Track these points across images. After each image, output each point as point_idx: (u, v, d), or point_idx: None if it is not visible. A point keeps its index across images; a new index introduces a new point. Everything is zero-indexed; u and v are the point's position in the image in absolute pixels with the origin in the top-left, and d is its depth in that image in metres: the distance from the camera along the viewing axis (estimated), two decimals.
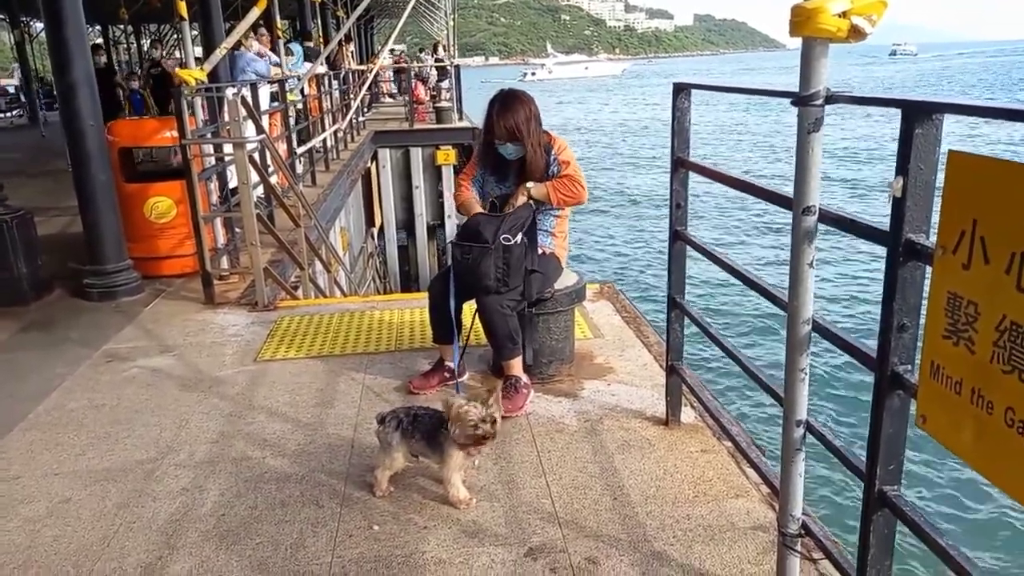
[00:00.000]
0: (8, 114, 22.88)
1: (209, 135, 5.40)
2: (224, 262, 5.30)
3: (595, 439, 2.92)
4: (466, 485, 2.53)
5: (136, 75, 12.79)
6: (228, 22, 9.44)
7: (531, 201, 3.23)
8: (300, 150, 8.74)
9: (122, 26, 22.82)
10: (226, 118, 5.22)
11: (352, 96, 13.87)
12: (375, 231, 14.19)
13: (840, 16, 1.41)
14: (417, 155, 14.18)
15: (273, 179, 6.19)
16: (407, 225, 14.65)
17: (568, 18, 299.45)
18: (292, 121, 8.55)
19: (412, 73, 18.06)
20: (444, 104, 15.95)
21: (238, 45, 7.17)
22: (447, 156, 14.13)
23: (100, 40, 21.93)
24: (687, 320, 2.79)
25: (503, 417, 2.97)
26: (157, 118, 6.91)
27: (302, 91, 9.32)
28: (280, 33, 9.07)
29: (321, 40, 15.06)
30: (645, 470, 2.68)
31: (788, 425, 1.77)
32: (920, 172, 1.35)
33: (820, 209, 1.60)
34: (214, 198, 5.49)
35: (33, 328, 4.55)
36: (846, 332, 1.69)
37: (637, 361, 3.65)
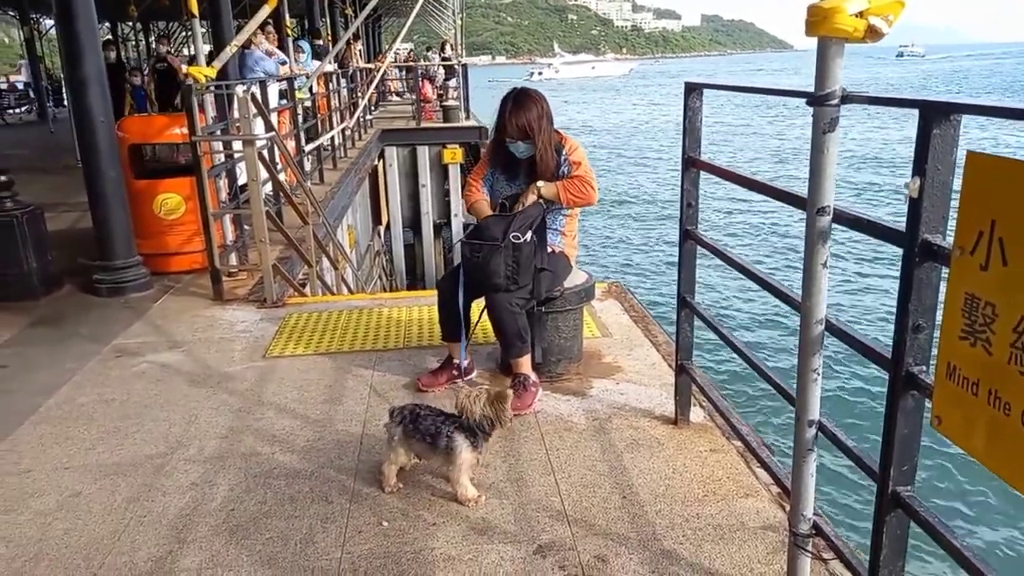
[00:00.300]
0: (17, 110, 22.95)
1: (219, 132, 5.41)
2: (233, 259, 5.32)
3: (604, 437, 2.93)
4: (474, 483, 2.53)
5: (139, 70, 12.81)
6: (237, 20, 9.46)
7: (541, 200, 3.23)
8: (308, 148, 8.76)
9: (131, 23, 22.87)
10: (236, 115, 5.24)
11: (360, 94, 13.89)
12: (381, 229, 14.21)
13: (857, 16, 1.41)
14: (424, 154, 14.19)
15: (282, 176, 6.20)
16: (413, 223, 14.66)
17: (575, 18, 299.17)
18: (300, 119, 8.57)
19: (420, 72, 18.07)
20: (451, 103, 15.96)
21: (248, 43, 7.18)
22: (454, 155, 14.14)
23: (109, 37, 22.01)
24: (695, 319, 2.79)
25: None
26: (168, 115, 6.91)
27: (310, 88, 9.34)
28: (288, 31, 9.08)
29: (330, 38, 15.08)
30: (654, 469, 2.68)
31: (800, 425, 1.77)
32: (937, 172, 1.34)
33: (835, 209, 1.60)
34: (223, 195, 5.51)
35: (43, 323, 4.57)
36: (860, 332, 1.69)
37: (645, 360, 3.65)
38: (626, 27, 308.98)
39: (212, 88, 5.57)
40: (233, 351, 3.96)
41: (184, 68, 10.98)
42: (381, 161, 14.00)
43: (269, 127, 5.50)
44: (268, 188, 5.94)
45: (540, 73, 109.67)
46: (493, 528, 2.38)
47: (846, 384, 9.06)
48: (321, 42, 12.85)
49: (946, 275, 1.33)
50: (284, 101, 8.37)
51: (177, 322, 4.45)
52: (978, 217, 1.22)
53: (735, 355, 2.48)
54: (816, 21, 1.44)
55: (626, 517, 2.41)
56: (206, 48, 6.33)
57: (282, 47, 9.74)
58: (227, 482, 2.69)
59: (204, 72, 4.77)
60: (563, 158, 3.25)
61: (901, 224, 1.47)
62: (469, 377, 3.35)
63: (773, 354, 10.21)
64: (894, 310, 1.47)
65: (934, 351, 1.44)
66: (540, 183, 3.21)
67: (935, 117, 1.33)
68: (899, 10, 1.42)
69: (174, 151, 6.21)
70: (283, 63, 9.15)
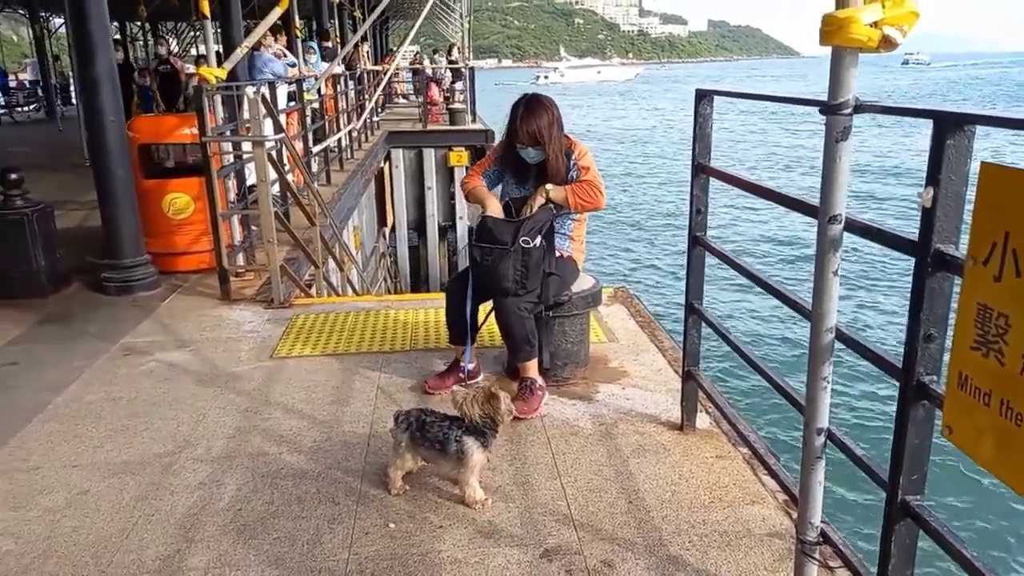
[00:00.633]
0: (26, 108, 23.05)
1: (228, 133, 5.43)
2: (240, 259, 5.33)
3: (610, 442, 2.93)
4: (481, 486, 2.54)
5: (147, 70, 12.85)
6: (246, 20, 9.50)
7: (550, 204, 3.24)
8: (316, 149, 8.78)
9: (140, 23, 22.97)
10: (246, 116, 5.26)
11: (367, 96, 13.93)
12: (387, 231, 14.24)
13: (872, 26, 1.41)
14: (430, 156, 14.22)
15: (289, 177, 6.22)
16: (419, 226, 14.69)
17: (582, 22, 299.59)
18: (308, 120, 8.59)
19: (427, 74, 18.10)
20: (458, 106, 15.98)
21: (257, 45, 7.21)
22: (460, 158, 14.16)
23: (117, 36, 22.09)
24: (703, 326, 2.80)
25: (517, 418, 3.00)
26: (178, 115, 6.95)
27: (319, 90, 9.37)
28: (297, 32, 9.11)
29: (338, 40, 15.12)
30: (660, 474, 2.69)
31: (809, 433, 1.77)
32: (951, 183, 1.35)
33: (847, 218, 1.61)
34: (232, 195, 5.52)
35: (51, 321, 4.59)
36: (870, 341, 1.69)
37: (652, 366, 3.65)
38: (632, 32, 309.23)
39: (222, 89, 5.58)
40: (240, 351, 3.98)
41: (190, 68, 11.03)
42: (387, 163, 14.03)
43: (278, 128, 5.51)
44: (275, 189, 5.96)
45: (546, 77, 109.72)
46: (499, 531, 2.38)
47: (852, 390, 9.04)
48: (330, 44, 12.88)
49: (959, 285, 1.33)
50: (293, 103, 8.40)
51: (185, 321, 4.47)
52: (992, 228, 1.23)
53: (741, 361, 2.49)
54: (830, 30, 1.45)
55: (632, 522, 2.42)
56: (216, 48, 6.36)
57: (291, 48, 9.78)
58: (235, 482, 2.70)
59: (215, 73, 4.79)
60: (572, 163, 3.26)
61: (912, 233, 1.48)
62: (476, 380, 3.35)
63: (780, 361, 10.19)
64: (902, 319, 1.48)
65: (945, 360, 1.44)
66: (549, 186, 3.22)
67: (949, 127, 1.34)
68: (914, 20, 1.43)
69: (182, 151, 6.24)
70: (292, 65, 9.18)
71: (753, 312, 12.36)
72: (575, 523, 2.41)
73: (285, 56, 9.18)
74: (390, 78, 17.13)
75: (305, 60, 10.34)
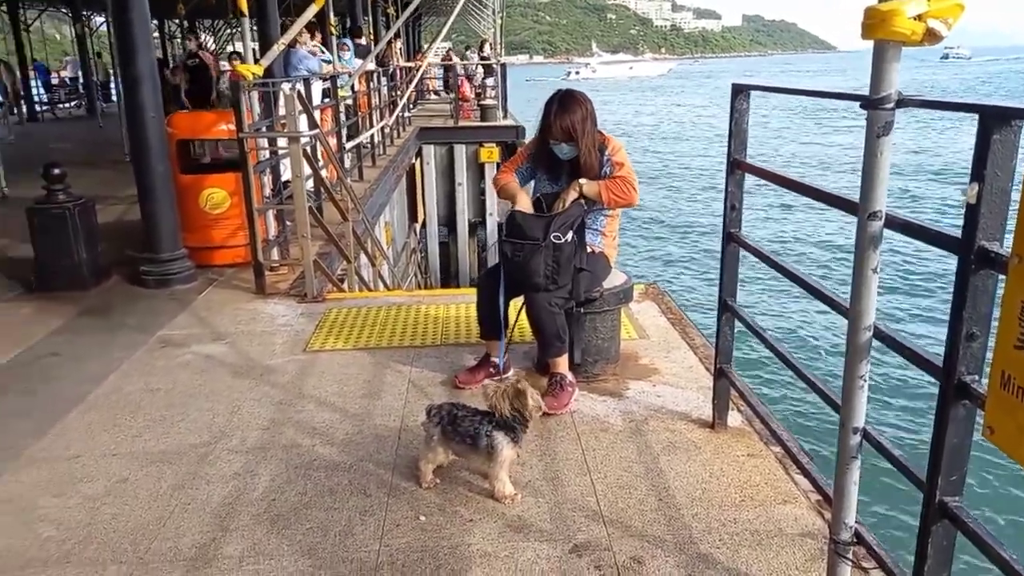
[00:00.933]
0: (67, 105, 23.58)
1: (264, 129, 5.50)
2: (275, 253, 5.40)
3: (640, 439, 2.92)
4: (511, 480, 2.55)
5: (178, 68, 13.02)
6: (282, 18, 9.61)
7: (582, 200, 3.23)
8: (349, 145, 8.86)
9: (177, 20, 23.34)
10: (282, 112, 5.32)
11: (399, 93, 14.00)
12: (417, 227, 14.31)
13: (916, 19, 1.38)
14: (461, 152, 14.26)
15: (323, 173, 6.28)
16: (449, 221, 14.74)
17: (614, 17, 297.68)
18: (342, 117, 8.67)
19: (459, 71, 18.16)
20: (489, 102, 16.00)
21: (293, 42, 7.29)
22: (490, 154, 14.18)
23: (156, 34, 22.48)
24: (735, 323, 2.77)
25: (547, 414, 3.00)
26: (215, 111, 7.05)
27: (352, 87, 9.44)
28: (332, 30, 9.20)
29: (372, 36, 15.22)
30: (691, 472, 2.67)
31: (844, 432, 1.75)
32: (996, 178, 1.32)
33: (887, 214, 1.58)
34: (267, 190, 5.60)
35: (92, 313, 4.69)
36: (909, 339, 1.66)
37: (683, 363, 3.63)
38: (665, 27, 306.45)
39: (258, 85, 5.66)
40: (275, 344, 4.03)
41: (225, 65, 11.15)
42: (418, 159, 14.09)
43: (313, 124, 5.57)
44: (309, 184, 6.02)
45: (577, 72, 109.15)
46: (529, 526, 2.39)
47: (887, 389, 8.89)
48: (363, 41, 12.97)
49: (1002, 283, 1.30)
50: (327, 99, 8.48)
51: (220, 314, 4.55)
52: None
53: (770, 359, 2.46)
54: (873, 24, 1.42)
55: (662, 519, 2.41)
56: (239, 46, 6.44)
57: (325, 45, 9.86)
58: (268, 472, 2.74)
59: (252, 70, 4.85)
60: (606, 158, 3.25)
61: (954, 230, 1.45)
62: (506, 375, 3.36)
63: (811, 359, 10.05)
64: (940, 317, 1.45)
65: (987, 359, 1.41)
66: (583, 180, 3.21)
67: (995, 122, 1.31)
68: (959, 13, 1.40)
69: (216, 147, 6.34)
70: (327, 62, 9.26)
71: (785, 309, 12.20)
72: (604, 519, 2.41)
73: (321, 53, 9.26)
74: (422, 75, 17.21)
75: (339, 57, 10.43)
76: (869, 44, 1.51)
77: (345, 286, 5.76)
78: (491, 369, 3.40)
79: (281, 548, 2.31)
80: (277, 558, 2.27)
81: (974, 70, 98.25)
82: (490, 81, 17.96)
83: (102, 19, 22.31)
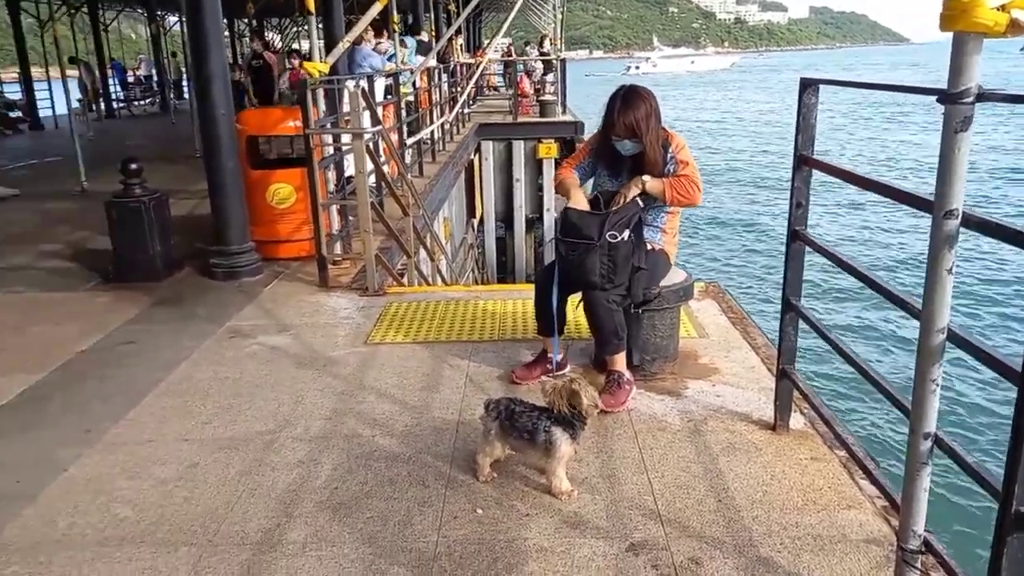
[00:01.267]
0: (142, 102, 24.52)
1: (329, 125, 5.62)
2: (338, 247, 5.52)
3: (699, 439, 2.88)
4: (568, 477, 2.55)
5: (239, 67, 13.32)
6: (347, 16, 9.78)
7: (638, 198, 3.19)
8: (410, 141, 8.97)
9: (246, 20, 24.01)
10: (346, 109, 5.42)
11: (459, 89, 14.10)
12: (475, 222, 14.40)
13: (998, 9, 1.33)
14: (519, 148, 14.29)
15: (385, 169, 6.38)
16: (506, 217, 14.80)
17: (676, 11, 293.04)
18: (404, 113, 8.78)
19: (519, 66, 18.18)
20: (548, 98, 15.98)
21: (358, 39, 7.42)
22: (549, 150, 14.17)
23: (226, 33, 23.15)
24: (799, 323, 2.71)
25: (604, 412, 2.99)
26: (282, 108, 7.24)
27: (414, 84, 9.55)
28: (395, 27, 9.32)
29: (433, 33, 15.36)
30: (751, 474, 2.63)
31: (915, 438, 1.70)
32: None
33: (964, 213, 1.53)
34: (331, 186, 5.72)
35: (165, 303, 4.88)
36: (985, 342, 1.60)
37: (743, 363, 3.57)
38: (729, 20, 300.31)
39: (324, 83, 5.78)
40: (337, 336, 4.13)
41: (294, 63, 11.39)
42: (477, 155, 14.18)
43: (376, 121, 5.66)
44: (371, 180, 6.12)
45: (637, 67, 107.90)
46: (585, 523, 2.39)
47: (958, 393, 8.55)
48: (425, 38, 13.11)
49: None
50: (389, 96, 8.60)
51: (285, 306, 4.67)
52: None
53: (834, 361, 2.40)
54: (953, 15, 1.37)
55: (721, 521, 2.38)
56: (304, 44, 6.57)
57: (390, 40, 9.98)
58: (331, 461, 2.81)
59: (318, 67, 4.96)
60: (669, 156, 3.21)
61: None
62: (562, 372, 3.36)
63: (877, 362, 9.75)
64: (1016, 319, 1.39)
65: None
66: (646, 177, 3.17)
67: None
68: None
69: (283, 143, 6.48)
70: (390, 59, 9.39)
71: (850, 310, 11.85)
72: (662, 518, 2.40)
73: (384, 50, 9.40)
74: (482, 71, 17.28)
75: (401, 54, 10.55)
76: (945, 36, 1.46)
77: (405, 280, 5.84)
78: (548, 365, 3.41)
79: (343, 535, 2.37)
80: (339, 545, 2.33)
81: None
82: (549, 77, 17.93)
83: (175, 19, 23.12)
